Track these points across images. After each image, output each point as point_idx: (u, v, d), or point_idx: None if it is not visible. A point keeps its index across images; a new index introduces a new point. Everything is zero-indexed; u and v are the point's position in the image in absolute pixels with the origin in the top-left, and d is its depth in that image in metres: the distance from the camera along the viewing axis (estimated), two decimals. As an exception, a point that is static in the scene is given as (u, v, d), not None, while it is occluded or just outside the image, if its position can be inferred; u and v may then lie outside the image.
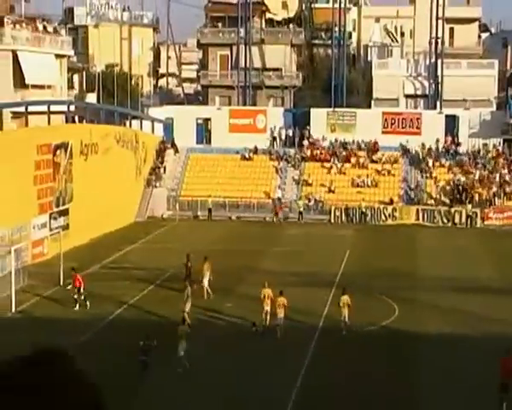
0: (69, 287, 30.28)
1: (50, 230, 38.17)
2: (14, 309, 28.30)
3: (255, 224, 49.95)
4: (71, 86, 63.32)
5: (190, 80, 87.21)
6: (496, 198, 52.74)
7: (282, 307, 25.92)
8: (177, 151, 58.96)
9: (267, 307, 26.31)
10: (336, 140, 58.72)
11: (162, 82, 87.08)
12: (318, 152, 58.10)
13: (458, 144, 58.31)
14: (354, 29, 77.72)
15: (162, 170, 56.49)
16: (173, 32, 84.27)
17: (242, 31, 66.35)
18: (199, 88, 80.00)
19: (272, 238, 44.22)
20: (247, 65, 65.70)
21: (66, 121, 48.70)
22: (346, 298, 26.33)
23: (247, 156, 57.89)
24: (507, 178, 54.71)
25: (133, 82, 69.23)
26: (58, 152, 40.04)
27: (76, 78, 66.71)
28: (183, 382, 21.81)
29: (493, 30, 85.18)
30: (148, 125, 58.31)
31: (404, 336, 26.18)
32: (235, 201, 53.12)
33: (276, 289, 26.95)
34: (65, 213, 40.52)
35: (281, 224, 50.38)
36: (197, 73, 79.18)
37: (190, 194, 54.19)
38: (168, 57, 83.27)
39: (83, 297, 29.23)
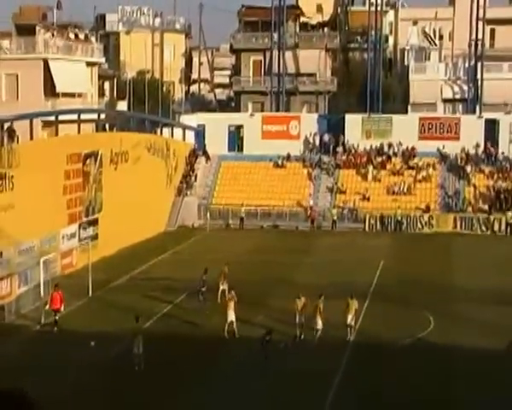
0: (47, 307, 28.45)
1: (79, 240, 38.57)
2: (43, 321, 28.68)
3: (288, 233, 49.85)
4: (102, 94, 64.10)
5: (223, 86, 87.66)
6: (537, 205, 51.98)
7: (319, 312, 26.11)
8: (208, 159, 59.15)
9: (302, 319, 26.51)
10: (372, 146, 58.41)
11: (194, 88, 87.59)
12: (353, 159, 57.85)
13: (498, 150, 57.61)
14: (391, 32, 77.32)
15: (193, 178, 56.73)
16: (205, 38, 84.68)
17: (276, 35, 66.31)
18: (231, 94, 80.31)
19: (305, 248, 44.13)
20: (281, 70, 65.63)
21: (97, 130, 49.28)
22: (354, 303, 26.54)
23: (279, 164, 57.84)
24: (549, 184, 53.88)
25: (164, 89, 69.74)
26: (88, 161, 40.51)
27: (107, 85, 67.48)
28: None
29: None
30: (179, 133, 58.64)
31: (439, 349, 25.96)
32: (267, 209, 53.12)
33: (309, 299, 27.04)
34: (94, 222, 40.94)
35: (314, 232, 50.21)
36: (230, 79, 79.53)
37: (222, 202, 54.35)
38: (200, 63, 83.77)
39: (56, 318, 27.60)
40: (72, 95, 52.17)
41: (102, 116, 52.26)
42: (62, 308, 27.95)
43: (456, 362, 24.90)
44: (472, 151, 57.20)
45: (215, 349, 26.06)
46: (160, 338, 26.85)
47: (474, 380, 23.23)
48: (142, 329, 23.99)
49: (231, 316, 27.21)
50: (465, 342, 26.59)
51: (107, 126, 53.62)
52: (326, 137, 59.60)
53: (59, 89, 51.02)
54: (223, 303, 29.22)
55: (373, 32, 64.06)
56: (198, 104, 76.01)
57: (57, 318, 27.63)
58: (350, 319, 26.73)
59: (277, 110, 64.88)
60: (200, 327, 28.20)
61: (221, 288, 31.51)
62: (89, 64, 56.90)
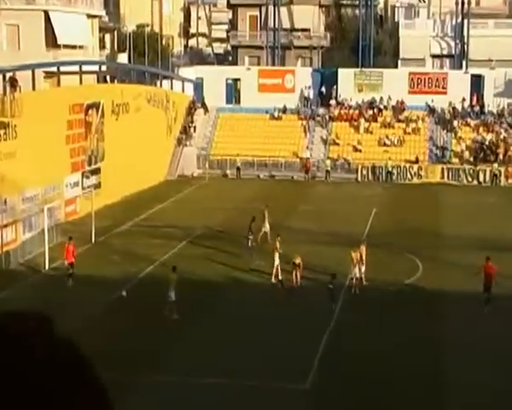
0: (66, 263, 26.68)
1: (83, 188, 37.72)
2: (47, 266, 27.96)
3: (283, 182, 49.24)
4: (102, 46, 62.45)
5: (220, 40, 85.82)
6: (521, 157, 51.30)
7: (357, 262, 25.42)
8: (206, 111, 58.09)
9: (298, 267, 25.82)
10: (363, 100, 57.40)
11: (192, 42, 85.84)
12: (346, 111, 56.94)
13: (483, 104, 56.69)
14: (382, -11, 75.60)
15: (192, 129, 55.73)
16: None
17: (273, -10, 64.99)
18: (228, 48, 78.67)
19: (300, 197, 43.44)
20: (276, 25, 64.41)
21: (98, 81, 47.96)
22: (356, 255, 25.65)
23: (275, 116, 56.90)
24: (532, 137, 53.12)
25: (164, 42, 68.20)
26: (90, 112, 39.40)
27: (107, 38, 65.71)
28: (217, 333, 21.34)
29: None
30: (178, 85, 57.37)
31: (427, 294, 25.50)
32: (263, 160, 52.34)
33: (303, 248, 26.37)
34: (97, 172, 40.03)
35: (309, 182, 49.62)
36: (227, 34, 77.85)
37: (220, 153, 53.50)
38: (198, 17, 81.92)
39: (71, 272, 26.02)
40: (73, 46, 50.64)
41: (103, 68, 50.86)
42: (74, 261, 26.31)
43: (444, 304, 24.56)
44: (458, 105, 56.28)
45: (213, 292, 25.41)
46: (161, 283, 26.22)
47: (461, 321, 22.98)
48: (177, 278, 23.04)
49: (277, 260, 26.16)
50: (451, 285, 26.20)
51: (107, 78, 52.23)
52: (323, 89, 58.64)
53: (60, 40, 49.46)
54: (264, 246, 28.23)
55: (365, -11, 62.69)
56: (196, 58, 74.50)
57: (72, 271, 25.98)
58: (356, 271, 25.69)
59: (273, 64, 63.79)
60: (199, 274, 27.48)
61: (263, 230, 31.12)
62: (89, 16, 55.16)
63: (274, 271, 26.48)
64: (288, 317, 23.27)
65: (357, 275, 25.57)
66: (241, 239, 31.43)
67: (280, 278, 25.84)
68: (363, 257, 26.17)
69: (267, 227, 31.18)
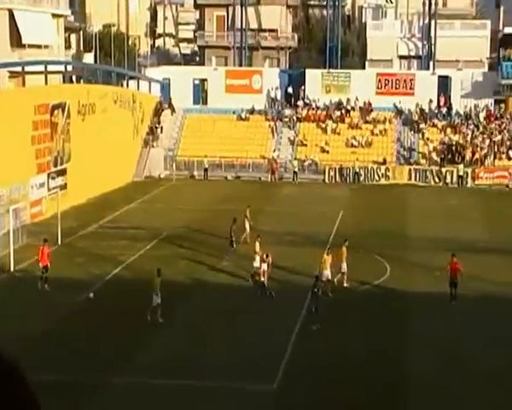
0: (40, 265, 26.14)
1: (48, 189, 37.64)
2: (12, 268, 27.94)
3: (251, 183, 49.61)
4: (68, 46, 62.12)
5: (187, 40, 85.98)
6: (486, 158, 52.36)
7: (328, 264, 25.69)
8: (173, 111, 58.26)
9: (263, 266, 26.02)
10: (331, 101, 58.07)
11: (159, 42, 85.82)
12: (313, 112, 57.55)
13: (450, 105, 57.71)
14: (349, -10, 76.42)
15: (159, 130, 55.83)
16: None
17: (238, -9, 65.33)
18: (196, 48, 78.84)
19: (267, 198, 43.84)
20: (243, 26, 64.73)
21: (64, 81, 47.85)
22: (329, 258, 25.99)
23: (243, 117, 57.28)
24: (498, 138, 54.25)
25: (130, 42, 68.07)
26: (55, 112, 39.33)
27: (73, 38, 65.41)
28: (186, 334, 21.61)
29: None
30: (145, 86, 57.42)
31: (394, 294, 26.02)
32: (230, 161, 52.67)
33: (270, 248, 26.69)
34: (63, 172, 39.96)
35: (276, 183, 50.06)
36: (194, 34, 78.00)
37: (187, 154, 53.69)
38: (165, 17, 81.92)
39: (44, 277, 25.52)
40: (38, 46, 50.35)
41: (69, 68, 50.72)
42: (49, 264, 26.01)
43: (411, 304, 25.03)
44: (426, 106, 57.22)
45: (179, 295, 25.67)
46: (128, 284, 26.44)
47: (427, 320, 23.44)
48: (162, 282, 23.10)
49: (257, 262, 26.28)
50: (419, 286, 26.74)
51: (73, 78, 52.09)
52: (290, 89, 59.20)
53: (25, 40, 49.17)
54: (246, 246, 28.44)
55: (332, -10, 63.35)
56: (163, 58, 74.53)
57: (46, 275, 25.65)
58: (327, 274, 25.90)
59: (240, 65, 64.09)
60: (166, 275, 27.70)
61: (246, 231, 31.37)
62: (54, 16, 54.84)
63: (253, 272, 26.86)
64: (256, 318, 23.61)
65: (329, 277, 25.78)
66: (209, 240, 31.79)
67: (257, 279, 25.99)
68: (344, 259, 26.57)
69: (247, 228, 31.49)
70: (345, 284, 26.65)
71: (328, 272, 25.62)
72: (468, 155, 52.25)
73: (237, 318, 23.48)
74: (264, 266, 25.77)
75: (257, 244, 27.39)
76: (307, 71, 59.44)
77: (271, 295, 25.50)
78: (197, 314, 23.68)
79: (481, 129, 55.12)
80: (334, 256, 26.27)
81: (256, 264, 26.03)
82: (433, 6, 62.05)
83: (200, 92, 60.35)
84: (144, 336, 21.66)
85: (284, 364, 19.97)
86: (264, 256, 26.11)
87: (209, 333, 22.19)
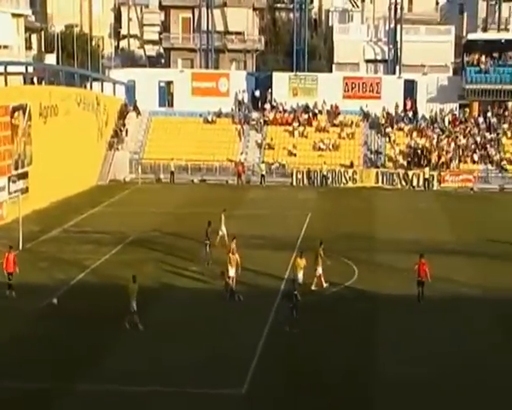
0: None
1: (9, 193, 37.08)
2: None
3: (218, 187, 49.59)
4: (29, 47, 61.33)
5: (152, 42, 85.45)
6: (452, 162, 53.05)
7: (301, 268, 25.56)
8: (139, 114, 57.98)
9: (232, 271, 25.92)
10: (298, 104, 58.37)
11: (124, 44, 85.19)
12: (281, 115, 57.76)
13: (416, 109, 58.37)
14: (315, -7, 76.90)
15: (124, 133, 55.48)
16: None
17: (204, -7, 65.35)
18: (161, 50, 78.49)
19: (235, 201, 43.79)
20: (210, 28, 64.72)
21: (25, 83, 47.23)
22: (302, 262, 25.97)
23: (209, 120, 57.23)
24: (462, 141, 55.00)
25: (94, 43, 67.50)
26: (16, 114, 38.81)
27: (34, 38, 64.55)
28: (153, 340, 21.44)
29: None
30: (109, 88, 57.05)
31: (363, 297, 26.17)
32: (197, 164, 52.56)
33: (239, 252, 26.63)
34: (24, 176, 39.41)
35: (243, 186, 50.09)
36: (159, 36, 77.64)
37: (153, 157, 53.46)
38: (129, 18, 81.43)
39: (10, 282, 25.01)
40: (-4, 46, 49.79)
41: (30, 69, 50.08)
42: (17, 270, 25.43)
43: (379, 306, 25.23)
44: (392, 110, 57.80)
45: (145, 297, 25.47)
46: (93, 290, 26.17)
47: (396, 321, 23.67)
48: (138, 288, 22.80)
49: (232, 271, 25.99)
50: (386, 288, 26.94)
51: (35, 80, 51.45)
52: (257, 93, 59.34)
53: (-16, 40, 48.58)
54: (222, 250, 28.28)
55: (298, -7, 63.72)
56: (128, 60, 74.05)
57: (11, 281, 25.18)
58: (300, 277, 25.81)
59: (206, 67, 64.08)
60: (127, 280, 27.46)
61: (220, 233, 31.10)
62: (14, 15, 54.18)
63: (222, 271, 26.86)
64: (225, 321, 23.52)
65: (300, 281, 25.73)
66: (176, 243, 31.61)
67: (227, 280, 25.85)
68: (319, 262, 26.60)
69: (224, 231, 31.39)
70: (313, 288, 26.69)
71: (301, 276, 25.60)
72: (433, 159, 52.89)
73: (206, 322, 23.38)
74: (233, 273, 25.72)
75: (233, 245, 27.35)
76: (274, 74, 59.70)
77: (239, 298, 25.45)
78: (165, 319, 23.50)
79: (447, 133, 55.84)
80: (308, 260, 26.24)
81: (231, 272, 25.84)
82: (398, 11, 62.72)
83: (166, 95, 60.17)
84: (110, 342, 21.43)
85: (253, 368, 19.92)
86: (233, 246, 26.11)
87: (177, 338, 22.04)
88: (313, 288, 26.66)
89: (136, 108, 58.04)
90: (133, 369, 19.62)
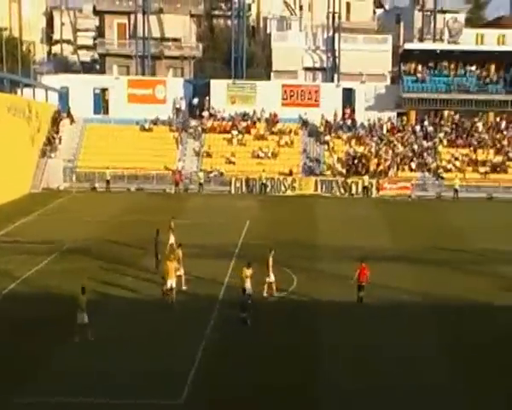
0: None
1: None
2: None
3: (155, 195, 49.29)
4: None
5: (87, 48, 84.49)
6: (390, 169, 54.01)
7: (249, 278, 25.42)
8: (73, 121, 57.20)
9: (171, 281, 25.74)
10: (236, 112, 58.55)
11: (56, 49, 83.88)
12: (219, 123, 57.82)
13: (355, 117, 59.28)
14: (254, 1, 77.30)
15: (57, 141, 54.62)
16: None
17: (140, -1, 65.11)
18: (96, 56, 77.66)
19: (173, 210, 43.48)
20: (146, 34, 64.37)
21: (-49, 88, 46.09)
22: (249, 271, 25.87)
23: (146, 127, 56.88)
24: (400, 149, 56.09)
25: (24, 48, 66.23)
26: None
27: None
28: (91, 351, 21.07)
29: (387, 6, 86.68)
30: (41, 94, 56.06)
31: (301, 305, 26.30)
32: (134, 172, 52.12)
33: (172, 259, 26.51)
34: (-48, 184, 38.39)
35: (181, 195, 49.90)
36: (94, 41, 76.82)
37: (88, 165, 52.78)
38: (62, 23, 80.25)
39: None
40: None
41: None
42: None
43: (319, 314, 25.40)
44: (331, 118, 58.54)
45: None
46: (25, 300, 25.60)
47: (335, 329, 23.92)
48: (88, 300, 22.27)
49: (181, 270, 25.91)
50: (325, 296, 27.21)
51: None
52: (195, 101, 59.27)
53: None
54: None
55: (236, 0, 63.94)
56: (61, 66, 72.93)
57: None
58: (248, 287, 25.60)
59: (143, 74, 63.69)
60: (66, 290, 26.99)
61: (169, 242, 30.78)
62: None
63: (182, 279, 26.96)
64: (163, 332, 23.32)
65: (250, 292, 25.52)
66: (112, 253, 31.13)
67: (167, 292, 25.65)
68: (270, 269, 26.69)
69: (172, 239, 31.14)
70: (275, 294, 26.85)
71: (249, 286, 25.46)
72: (372, 167, 53.78)
73: (143, 332, 23.12)
74: (173, 283, 25.60)
75: (180, 252, 27.27)
76: (212, 81, 59.76)
77: (171, 302, 25.32)
78: (102, 330, 23.13)
79: (385, 141, 56.87)
80: (255, 269, 26.13)
81: (170, 283, 25.65)
82: (336, 19, 63.60)
83: (101, 102, 59.51)
84: (45, 354, 20.98)
85: (191, 378, 19.80)
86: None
87: (114, 349, 21.73)
88: (265, 294, 26.74)
89: (69, 115, 57.26)
90: (70, 381, 19.24)
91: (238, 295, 24.40)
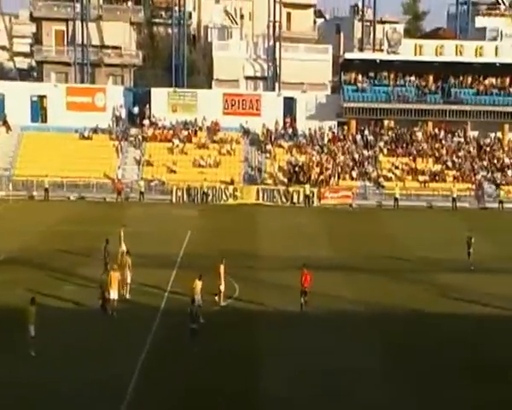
0: None
1: None
2: None
3: (95, 204, 48.93)
4: None
5: (23, 55, 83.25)
6: (331, 178, 54.78)
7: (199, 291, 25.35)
8: (9, 129, 56.34)
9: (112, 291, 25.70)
10: (177, 120, 58.59)
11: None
12: (160, 132, 57.77)
13: (296, 126, 59.95)
14: (194, 9, 77.44)
15: (-7, 149, 53.71)
16: (2, 2, 79.88)
17: (78, 6, 64.43)
18: (33, 63, 76.59)
19: (114, 219, 43.27)
20: (85, 41, 63.84)
21: None
22: (200, 283, 25.79)
23: (86, 135, 56.43)
24: (341, 158, 56.96)
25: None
26: None
27: None
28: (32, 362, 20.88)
29: (327, 16, 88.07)
30: (-25, 102, 55.09)
31: (243, 314, 26.53)
32: (73, 181, 51.64)
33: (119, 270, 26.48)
34: None
35: (122, 204, 49.63)
36: (31, 48, 75.73)
37: (25, 173, 52.05)
38: (-3, 29, 78.99)
39: None
40: None
41: None
42: None
43: (260, 321, 25.77)
44: (272, 127, 59.09)
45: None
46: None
47: (276, 337, 24.29)
48: (36, 312, 21.95)
49: (129, 278, 26.18)
50: (267, 303, 27.62)
51: None
52: (135, 110, 59.09)
53: None
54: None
55: (176, 8, 64.03)
56: (-4, 72, 71.72)
57: None
58: (198, 299, 25.47)
59: (82, 82, 63.11)
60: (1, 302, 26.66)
61: (120, 250, 30.56)
62: None
63: (128, 288, 27.20)
64: (103, 342, 23.24)
65: (201, 303, 25.32)
66: (50, 263, 30.82)
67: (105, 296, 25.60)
68: (222, 277, 26.99)
69: (123, 248, 30.95)
70: (222, 303, 27.03)
71: (199, 297, 25.44)
72: (313, 176, 54.45)
73: (83, 341, 23.03)
74: (115, 294, 25.59)
75: (129, 260, 27.50)
76: (153, 89, 59.69)
77: (112, 313, 25.28)
78: (39, 341, 22.90)
79: (326, 150, 57.69)
80: (205, 281, 26.14)
81: (113, 294, 25.68)
82: (277, 29, 64.24)
83: (39, 109, 58.78)
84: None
85: (133, 385, 19.85)
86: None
87: (53, 360, 21.58)
88: (222, 303, 27.16)
89: (5, 123, 56.43)
90: (7, 393, 19.04)
91: (188, 306, 24.51)
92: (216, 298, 27.25)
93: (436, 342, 24.18)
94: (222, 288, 27.36)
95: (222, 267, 27.49)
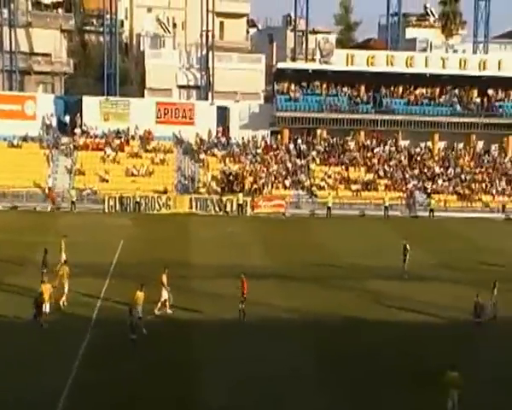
0: None
1: None
2: None
3: (26, 213, 48.17)
4: None
5: None
6: (265, 187, 55.24)
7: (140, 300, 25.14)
8: None
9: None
10: (110, 129, 58.20)
11: None
12: (92, 141, 57.25)
13: (229, 135, 60.29)
14: (126, 17, 77.06)
15: None
16: None
17: (6, 11, 63.39)
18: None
19: (45, 228, 42.68)
20: (13, 48, 62.81)
21: None
22: (141, 294, 25.55)
23: (15, 144, 55.54)
24: (274, 167, 57.52)
25: None
26: None
27: None
28: None
29: (260, 26, 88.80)
30: None
31: (178, 323, 26.58)
32: (2, 190, 50.74)
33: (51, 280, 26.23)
34: None
35: (54, 213, 49.01)
36: (-44, 54, 73.87)
37: (-50, 183, 50.75)
38: None
39: None
40: None
41: None
42: None
43: (194, 330, 25.92)
44: (205, 136, 59.26)
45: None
46: None
47: (214, 347, 24.49)
48: None
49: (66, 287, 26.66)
50: (201, 312, 27.84)
51: None
52: (66, 119, 58.43)
53: None
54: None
55: (108, 16, 63.64)
56: None
57: None
58: (139, 310, 25.20)
59: (10, 89, 62.08)
60: None
61: (61, 261, 30.40)
62: None
63: (64, 297, 27.17)
64: (34, 355, 22.94)
65: (141, 315, 25.14)
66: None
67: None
68: (164, 287, 27.14)
69: (63, 258, 30.56)
70: (168, 311, 27.29)
71: (140, 309, 25.21)
72: (247, 185, 54.82)
73: (14, 352, 22.68)
74: (47, 306, 25.38)
75: (67, 269, 27.81)
76: (84, 98, 59.19)
77: (41, 325, 25.08)
78: None
79: (259, 159, 58.16)
80: (146, 293, 25.96)
81: (66, 289, 25.76)
82: (210, 38, 64.50)
83: (-35, 117, 57.50)
84: None
85: (66, 394, 19.70)
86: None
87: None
88: (156, 312, 27.06)
89: None
90: None
91: (128, 317, 24.41)
92: (168, 310, 27.35)
93: (369, 348, 24.68)
94: (164, 297, 27.38)
95: (164, 277, 27.46)
